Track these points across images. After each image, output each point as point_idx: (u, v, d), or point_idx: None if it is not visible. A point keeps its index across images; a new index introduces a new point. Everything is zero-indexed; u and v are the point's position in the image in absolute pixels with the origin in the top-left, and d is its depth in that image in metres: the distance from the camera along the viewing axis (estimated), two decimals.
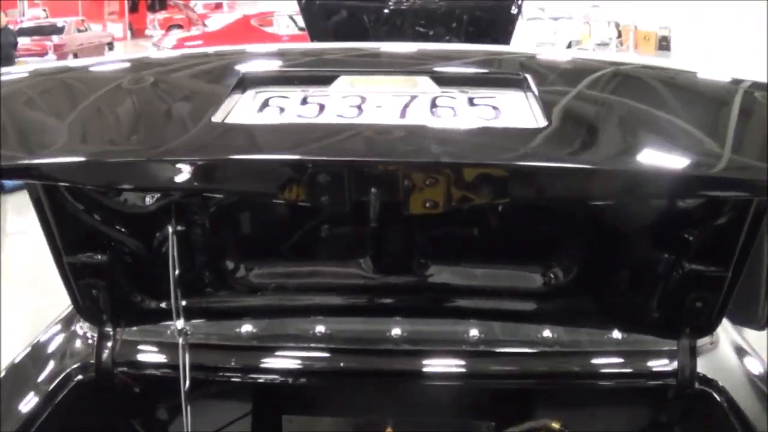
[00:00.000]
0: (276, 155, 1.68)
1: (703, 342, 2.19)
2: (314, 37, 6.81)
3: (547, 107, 1.63)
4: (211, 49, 2.22)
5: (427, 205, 1.74)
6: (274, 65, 1.97)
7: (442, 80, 1.80)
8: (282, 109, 1.71)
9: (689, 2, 21.81)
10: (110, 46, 22.82)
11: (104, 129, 1.71)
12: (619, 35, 24.02)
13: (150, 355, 2.31)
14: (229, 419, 2.44)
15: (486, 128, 1.64)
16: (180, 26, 26.20)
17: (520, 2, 6.49)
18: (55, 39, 18.87)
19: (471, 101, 1.74)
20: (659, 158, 1.57)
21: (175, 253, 2.02)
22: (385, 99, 1.74)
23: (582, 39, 22.04)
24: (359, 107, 1.71)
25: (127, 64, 1.95)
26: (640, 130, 1.63)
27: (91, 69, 1.94)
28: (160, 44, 18.12)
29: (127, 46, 27.60)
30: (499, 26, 6.65)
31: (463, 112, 1.69)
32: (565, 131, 1.65)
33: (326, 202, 1.77)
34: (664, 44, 24.17)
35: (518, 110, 1.68)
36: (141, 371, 2.29)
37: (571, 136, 1.65)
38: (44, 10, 26.56)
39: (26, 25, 20.42)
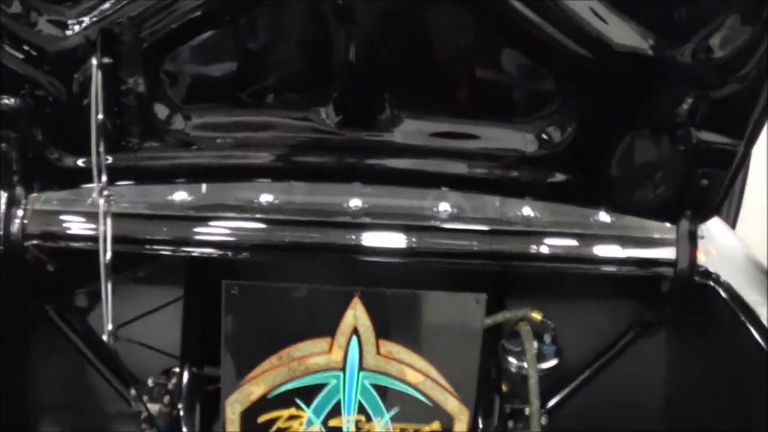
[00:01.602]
0: None
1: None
2: None
3: None
4: None
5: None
6: None
7: None
8: None
9: None
10: None
11: None
12: None
13: (67, 225, 1.95)
14: (160, 303, 2.12)
15: None
16: None
17: None
18: None
19: None
20: None
21: (100, 91, 1.67)
22: None
23: None
24: None
25: None
26: None
27: None
28: None
29: None
30: None
31: None
32: None
33: (268, 24, 1.49)
34: None
35: None
36: (56, 244, 1.95)
37: None
38: None
39: None
